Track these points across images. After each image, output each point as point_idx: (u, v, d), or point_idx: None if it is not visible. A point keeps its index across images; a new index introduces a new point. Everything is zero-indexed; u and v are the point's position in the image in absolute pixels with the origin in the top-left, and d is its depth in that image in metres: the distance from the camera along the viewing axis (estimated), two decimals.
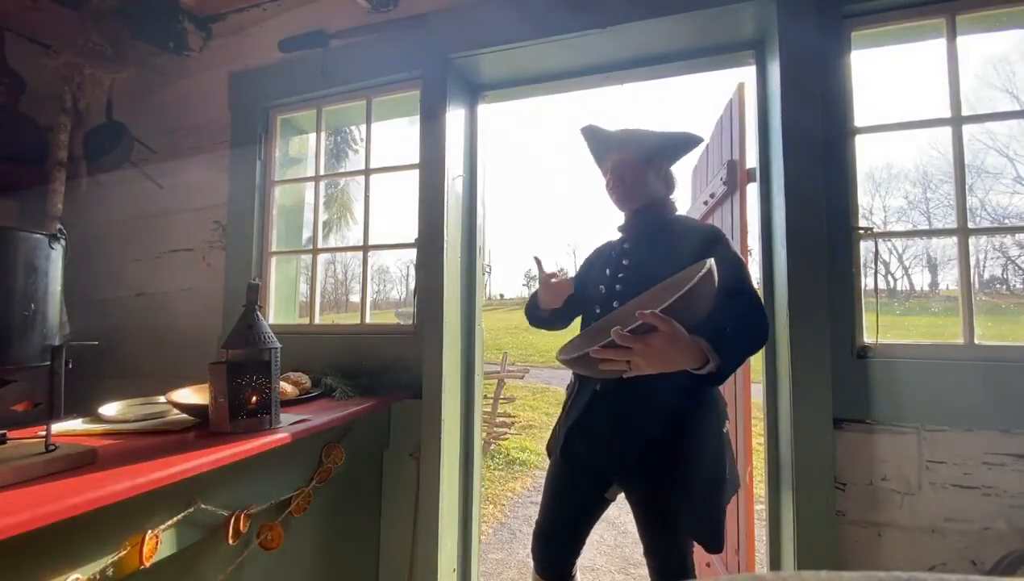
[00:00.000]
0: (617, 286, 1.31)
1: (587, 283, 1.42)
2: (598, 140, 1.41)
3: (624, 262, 1.34)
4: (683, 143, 1.36)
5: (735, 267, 1.16)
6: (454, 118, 1.78)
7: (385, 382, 1.69)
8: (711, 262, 1.01)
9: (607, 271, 1.36)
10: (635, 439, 1.20)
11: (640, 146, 1.34)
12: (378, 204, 1.97)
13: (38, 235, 0.89)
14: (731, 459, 1.22)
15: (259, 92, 2.02)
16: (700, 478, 1.16)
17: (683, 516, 1.17)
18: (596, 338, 1.22)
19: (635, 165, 1.33)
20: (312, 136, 2.14)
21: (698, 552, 1.34)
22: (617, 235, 1.44)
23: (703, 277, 0.97)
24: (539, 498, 1.42)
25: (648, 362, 0.95)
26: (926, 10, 1.37)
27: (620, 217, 1.42)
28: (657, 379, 1.10)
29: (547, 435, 1.42)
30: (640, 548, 1.30)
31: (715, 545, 1.15)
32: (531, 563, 1.38)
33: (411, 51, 1.79)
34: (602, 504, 1.34)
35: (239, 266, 1.98)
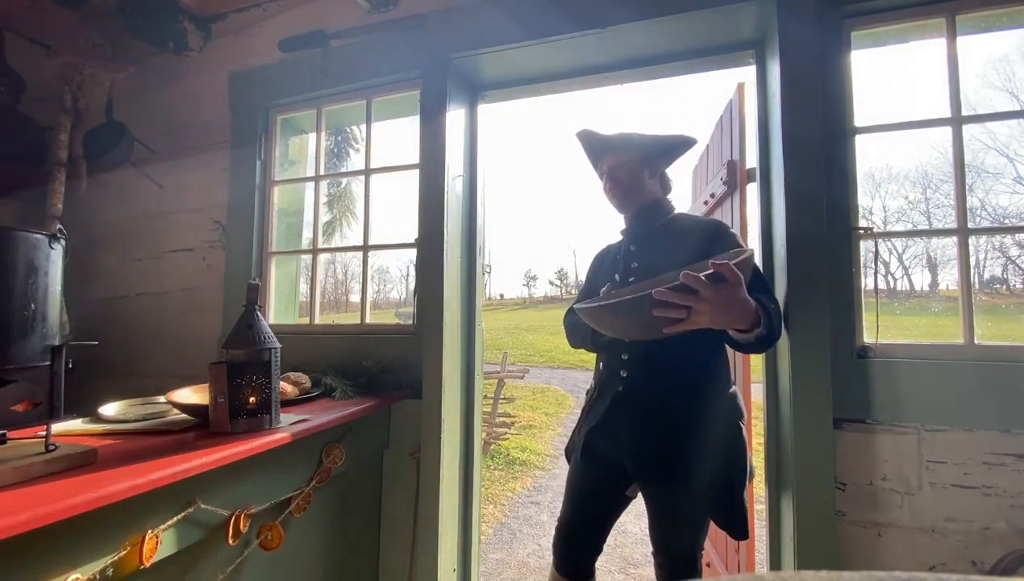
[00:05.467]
0: None
1: (596, 288, 1.43)
2: (593, 144, 1.41)
3: (633, 265, 1.35)
4: (678, 145, 1.36)
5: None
6: (454, 118, 1.78)
7: (385, 382, 1.69)
8: (751, 250, 1.03)
9: (616, 276, 1.37)
10: (656, 435, 1.23)
11: (635, 148, 1.34)
12: (379, 204, 1.97)
13: (38, 235, 0.89)
14: (748, 450, 1.25)
15: (259, 92, 2.02)
16: (722, 469, 1.20)
17: (709, 506, 1.20)
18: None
19: (630, 167, 1.34)
20: (312, 136, 2.14)
21: None
22: (619, 238, 1.45)
23: (750, 256, 0.98)
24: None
25: (713, 311, 0.92)
26: (926, 10, 1.37)
27: (620, 218, 1.42)
28: (678, 376, 1.21)
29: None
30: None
31: (741, 532, 1.18)
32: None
33: (411, 51, 1.79)
34: (623, 501, 1.37)
35: (239, 266, 1.98)
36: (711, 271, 0.92)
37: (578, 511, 1.36)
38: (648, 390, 1.25)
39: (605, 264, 1.45)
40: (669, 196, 1.39)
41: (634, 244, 1.37)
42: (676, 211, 1.38)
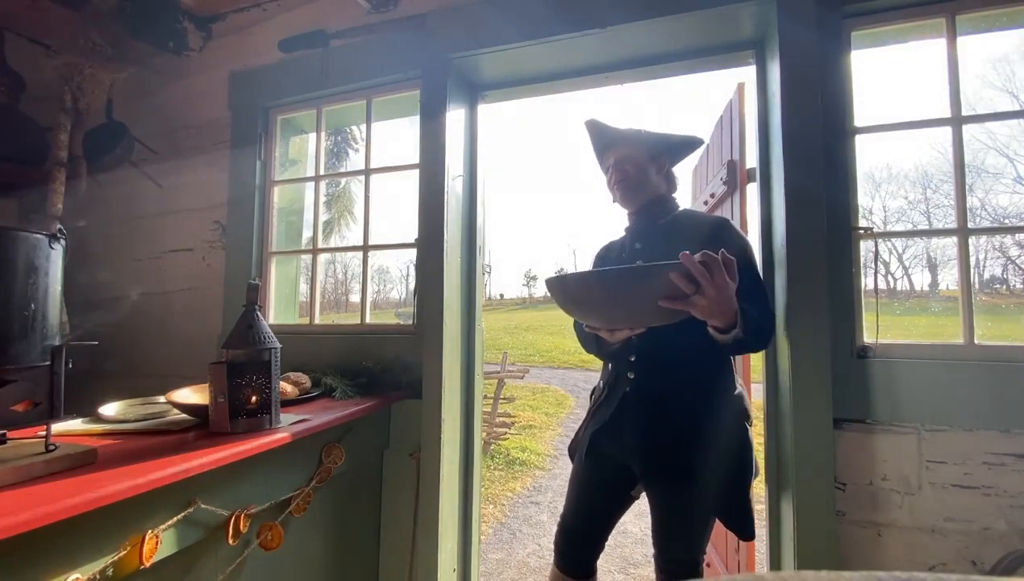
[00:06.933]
0: None
1: None
2: (601, 135, 1.41)
3: (637, 262, 1.34)
4: (685, 144, 1.37)
5: (746, 260, 1.18)
6: (454, 118, 1.78)
7: (385, 382, 1.69)
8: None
9: None
10: (664, 437, 1.23)
11: (643, 143, 1.34)
12: (379, 204, 1.97)
13: (38, 235, 0.89)
14: (752, 450, 1.26)
15: (259, 92, 2.02)
16: (729, 471, 1.20)
17: (717, 507, 1.20)
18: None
19: (637, 161, 1.34)
20: (312, 136, 2.14)
21: None
22: (622, 234, 1.44)
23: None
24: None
25: (717, 295, 0.94)
26: (926, 10, 1.37)
27: (621, 217, 1.42)
28: (685, 378, 1.21)
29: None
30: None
31: (748, 533, 1.18)
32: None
33: (411, 51, 1.79)
34: (627, 502, 1.37)
35: (239, 266, 1.98)
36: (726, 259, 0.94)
37: (581, 510, 1.36)
38: (656, 392, 1.25)
39: (608, 261, 1.45)
40: (674, 194, 1.39)
41: (639, 241, 1.36)
42: (681, 208, 1.38)
